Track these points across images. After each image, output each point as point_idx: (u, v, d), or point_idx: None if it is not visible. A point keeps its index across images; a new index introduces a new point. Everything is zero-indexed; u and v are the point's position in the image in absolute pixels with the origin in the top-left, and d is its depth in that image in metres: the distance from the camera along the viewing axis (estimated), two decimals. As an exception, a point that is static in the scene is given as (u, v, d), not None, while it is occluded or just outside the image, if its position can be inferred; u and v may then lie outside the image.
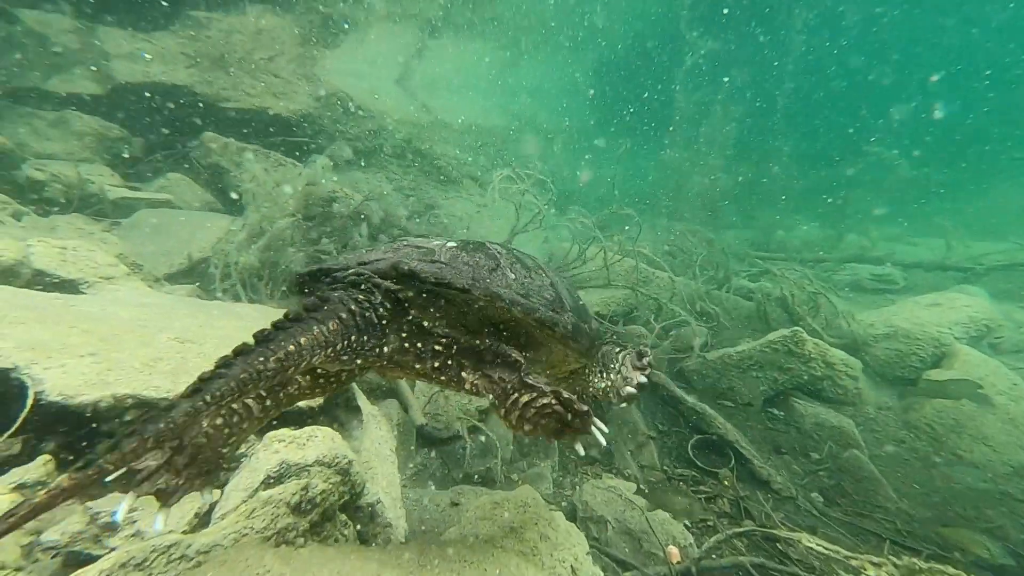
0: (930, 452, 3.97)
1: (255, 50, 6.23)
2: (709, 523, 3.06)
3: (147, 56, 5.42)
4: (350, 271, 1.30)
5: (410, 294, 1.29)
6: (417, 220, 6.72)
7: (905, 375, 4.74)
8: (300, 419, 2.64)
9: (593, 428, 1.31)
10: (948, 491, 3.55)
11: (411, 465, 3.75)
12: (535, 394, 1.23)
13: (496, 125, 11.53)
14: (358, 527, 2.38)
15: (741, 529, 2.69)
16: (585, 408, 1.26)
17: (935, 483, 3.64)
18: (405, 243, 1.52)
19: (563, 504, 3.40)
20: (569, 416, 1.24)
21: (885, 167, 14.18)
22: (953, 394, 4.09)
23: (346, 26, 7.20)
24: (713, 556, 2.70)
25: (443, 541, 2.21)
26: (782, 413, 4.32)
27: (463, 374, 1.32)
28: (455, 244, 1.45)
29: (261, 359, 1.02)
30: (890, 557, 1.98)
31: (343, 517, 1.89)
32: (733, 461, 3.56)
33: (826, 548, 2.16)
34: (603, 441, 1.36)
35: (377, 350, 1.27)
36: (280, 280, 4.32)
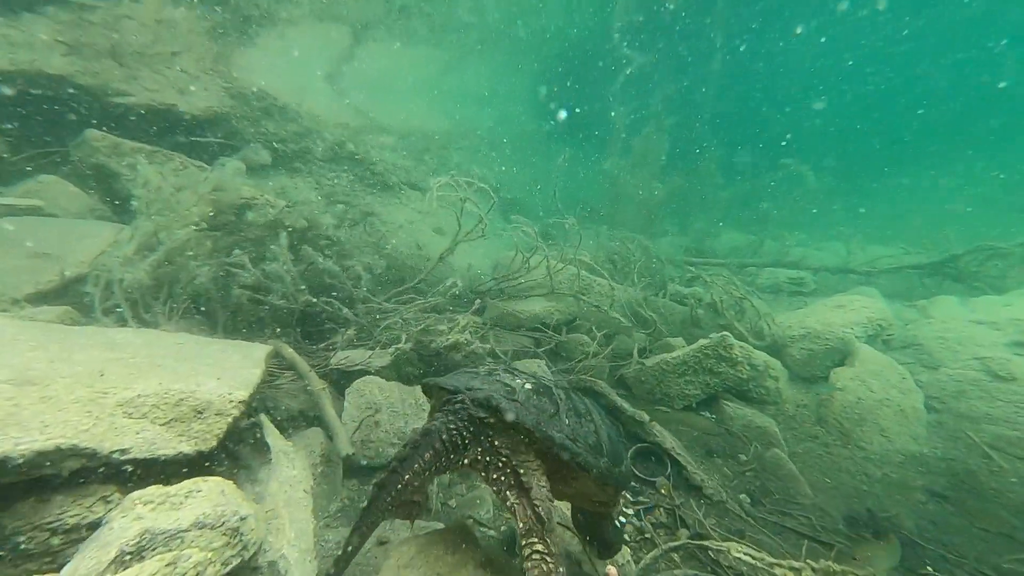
0: (839, 445, 4.26)
1: (155, 43, 5.53)
2: (647, 536, 3.04)
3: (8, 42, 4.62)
4: (459, 397, 1.82)
5: (492, 421, 1.77)
6: (348, 228, 6.31)
7: (817, 374, 5.11)
8: (189, 466, 2.27)
9: None
10: (852, 485, 3.82)
11: (336, 501, 3.42)
12: (546, 552, 1.64)
13: (435, 131, 11.27)
14: (259, 589, 2.07)
15: (676, 543, 2.68)
16: None
17: (842, 477, 3.91)
18: (496, 377, 1.98)
19: (503, 528, 3.24)
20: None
21: (796, 179, 15.68)
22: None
23: (262, 21, 6.64)
24: (651, 572, 2.67)
25: (357, 597, 1.97)
26: (713, 416, 4.48)
27: (508, 492, 1.75)
28: (531, 387, 1.92)
29: (384, 498, 1.70)
30: (808, 562, 2.02)
31: (227, 589, 1.60)
32: (669, 468, 3.59)
33: (752, 557, 2.17)
34: None
35: (460, 462, 1.80)
36: (183, 298, 3.82)
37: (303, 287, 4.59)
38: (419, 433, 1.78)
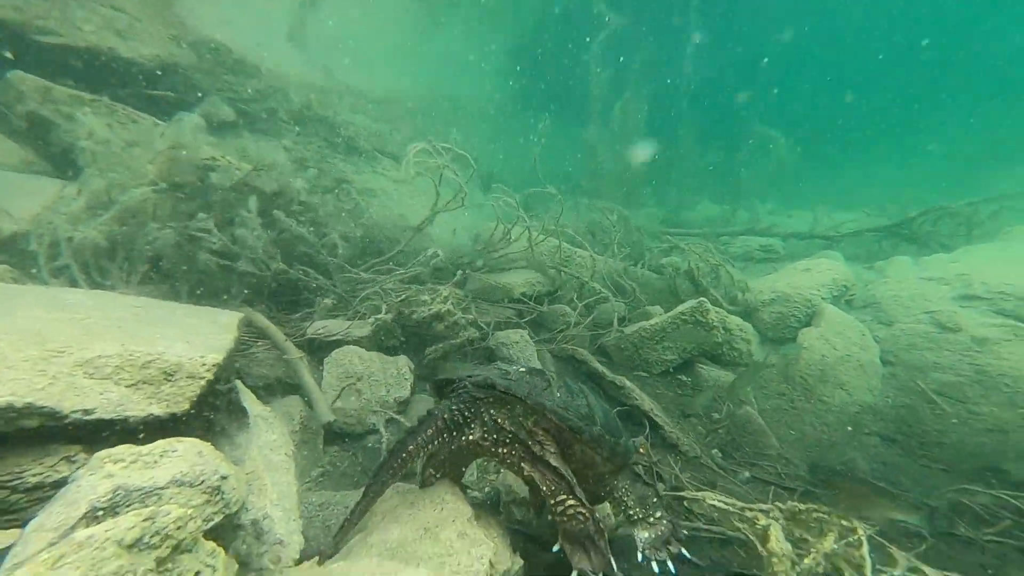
0: (803, 400, 4.50)
1: (89, -22, 4.93)
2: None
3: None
4: (460, 383, 2.02)
5: (489, 399, 1.96)
6: (321, 195, 6.04)
7: (785, 335, 5.33)
8: (161, 429, 2.18)
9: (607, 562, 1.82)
10: (814, 436, 4.07)
11: (318, 467, 3.39)
12: (577, 505, 1.79)
13: (408, 96, 10.80)
14: (245, 547, 2.04)
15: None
16: (604, 544, 1.82)
17: (805, 429, 4.15)
18: (495, 366, 2.20)
19: (486, 489, 3.29)
20: (592, 533, 1.80)
21: (769, 147, 15.98)
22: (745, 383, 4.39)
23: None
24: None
25: (347, 553, 1.96)
26: (689, 379, 4.63)
27: (522, 464, 1.90)
28: (524, 370, 2.13)
29: (393, 463, 1.91)
30: (776, 504, 2.13)
31: (210, 545, 1.55)
32: (648, 429, 3.71)
33: (724, 503, 2.27)
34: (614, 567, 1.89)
35: (463, 438, 1.96)
36: (142, 261, 3.57)
37: (276, 254, 4.39)
38: (424, 415, 1.99)
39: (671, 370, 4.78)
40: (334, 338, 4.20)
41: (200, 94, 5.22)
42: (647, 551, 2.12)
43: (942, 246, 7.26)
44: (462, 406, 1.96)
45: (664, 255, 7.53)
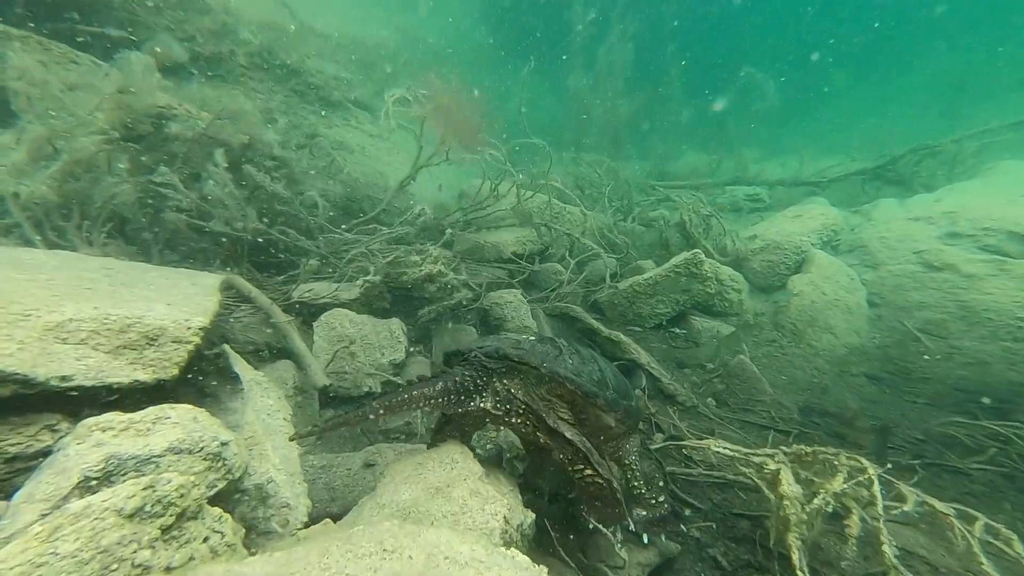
0: (792, 346, 4.62)
1: None
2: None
3: None
4: (472, 352, 1.97)
5: (501, 368, 1.93)
6: (295, 150, 5.63)
7: (775, 283, 5.41)
8: (149, 397, 2.04)
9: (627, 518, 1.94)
10: (805, 379, 4.21)
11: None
12: (593, 474, 1.82)
13: (378, 42, 9.99)
14: (251, 512, 1.97)
15: (657, 445, 2.84)
16: (621, 503, 1.86)
17: (796, 373, 4.28)
18: (505, 336, 2.17)
19: (488, 447, 3.30)
20: (610, 497, 1.85)
21: (756, 93, 15.56)
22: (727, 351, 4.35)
23: None
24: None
25: (359, 514, 1.91)
26: (683, 331, 4.68)
27: (537, 434, 1.90)
28: (535, 338, 2.10)
29: (397, 395, 1.82)
30: (781, 447, 2.17)
31: (216, 511, 1.47)
32: (644, 382, 3.75)
33: (731, 450, 2.31)
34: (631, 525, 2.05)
35: (473, 405, 1.91)
36: (102, 219, 3.24)
37: (251, 214, 4.09)
38: (439, 369, 1.97)
39: (664, 323, 4.82)
40: (321, 301, 4.03)
41: (144, 31, 4.56)
42: (641, 527, 2.19)
43: (924, 186, 7.31)
44: (474, 373, 1.92)
45: (652, 208, 7.44)
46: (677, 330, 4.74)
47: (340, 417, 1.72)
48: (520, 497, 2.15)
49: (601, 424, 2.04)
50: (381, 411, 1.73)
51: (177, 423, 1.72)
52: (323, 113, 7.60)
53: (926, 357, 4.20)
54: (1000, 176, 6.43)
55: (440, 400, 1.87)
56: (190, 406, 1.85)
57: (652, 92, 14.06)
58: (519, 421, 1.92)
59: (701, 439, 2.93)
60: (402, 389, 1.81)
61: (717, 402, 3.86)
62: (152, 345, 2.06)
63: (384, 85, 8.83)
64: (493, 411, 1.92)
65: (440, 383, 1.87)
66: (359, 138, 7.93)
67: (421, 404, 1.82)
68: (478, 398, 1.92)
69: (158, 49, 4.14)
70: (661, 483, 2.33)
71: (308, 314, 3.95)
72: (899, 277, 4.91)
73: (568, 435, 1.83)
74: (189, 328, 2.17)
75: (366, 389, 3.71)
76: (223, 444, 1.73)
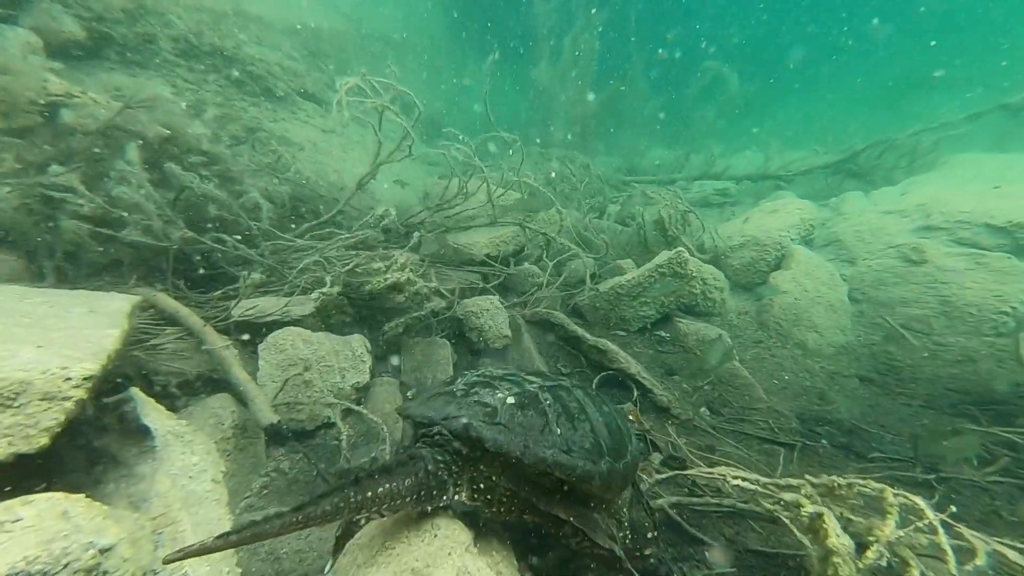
0: (779, 347, 4.46)
1: None
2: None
3: None
4: (435, 429, 1.65)
5: (477, 454, 1.61)
6: (232, 145, 4.96)
7: (755, 280, 5.27)
8: (14, 472, 1.51)
9: None
10: (797, 382, 4.05)
11: (261, 476, 2.80)
12: (591, 545, 1.62)
13: (327, 29, 9.25)
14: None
15: (662, 475, 2.53)
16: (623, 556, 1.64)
17: (787, 377, 4.12)
18: (475, 396, 1.75)
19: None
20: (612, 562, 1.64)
21: (720, 85, 15.72)
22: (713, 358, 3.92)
23: None
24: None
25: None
26: (668, 335, 4.44)
27: (524, 517, 1.65)
28: (514, 400, 1.72)
29: (350, 495, 1.33)
30: (807, 477, 1.89)
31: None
32: (636, 394, 3.45)
33: (750, 481, 2.01)
34: None
35: (445, 499, 1.58)
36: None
37: (177, 220, 3.47)
38: (406, 454, 1.58)
39: (649, 326, 4.56)
40: (269, 319, 3.48)
41: (26, 4, 3.73)
42: None
43: (884, 180, 7.47)
44: (447, 458, 1.59)
45: (628, 205, 7.20)
46: (662, 333, 4.49)
47: (262, 525, 1.19)
48: (516, 563, 1.78)
49: (595, 495, 1.77)
50: (323, 518, 1.27)
51: (32, 526, 1.22)
52: (268, 106, 6.87)
53: (924, 355, 4.11)
54: (957, 169, 6.62)
55: (408, 499, 1.47)
56: (58, 495, 1.34)
57: (617, 86, 13.92)
58: (501, 509, 1.63)
59: (712, 465, 2.62)
60: (355, 486, 1.35)
61: (711, 411, 3.62)
62: (9, 407, 1.52)
63: (336, 75, 8.15)
64: (469, 503, 1.61)
65: (409, 478, 1.47)
66: (310, 133, 7.25)
67: (382, 506, 1.40)
68: (452, 489, 1.57)
69: (43, 23, 3.37)
70: (650, 534, 2.01)
71: (254, 335, 3.40)
72: (878, 272, 4.86)
73: (561, 515, 1.60)
74: (68, 379, 1.64)
75: (323, 419, 3.21)
76: (103, 551, 1.25)
